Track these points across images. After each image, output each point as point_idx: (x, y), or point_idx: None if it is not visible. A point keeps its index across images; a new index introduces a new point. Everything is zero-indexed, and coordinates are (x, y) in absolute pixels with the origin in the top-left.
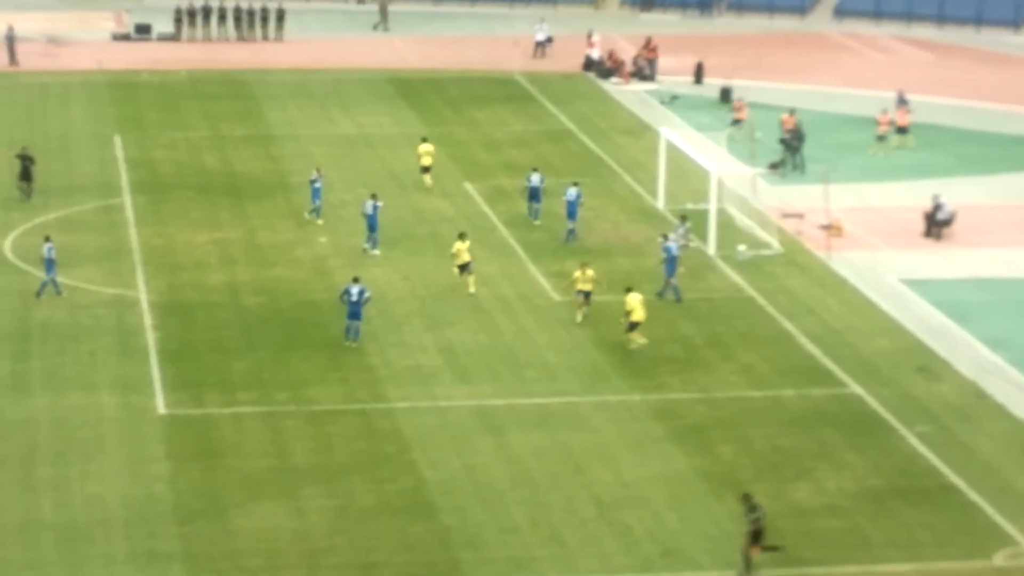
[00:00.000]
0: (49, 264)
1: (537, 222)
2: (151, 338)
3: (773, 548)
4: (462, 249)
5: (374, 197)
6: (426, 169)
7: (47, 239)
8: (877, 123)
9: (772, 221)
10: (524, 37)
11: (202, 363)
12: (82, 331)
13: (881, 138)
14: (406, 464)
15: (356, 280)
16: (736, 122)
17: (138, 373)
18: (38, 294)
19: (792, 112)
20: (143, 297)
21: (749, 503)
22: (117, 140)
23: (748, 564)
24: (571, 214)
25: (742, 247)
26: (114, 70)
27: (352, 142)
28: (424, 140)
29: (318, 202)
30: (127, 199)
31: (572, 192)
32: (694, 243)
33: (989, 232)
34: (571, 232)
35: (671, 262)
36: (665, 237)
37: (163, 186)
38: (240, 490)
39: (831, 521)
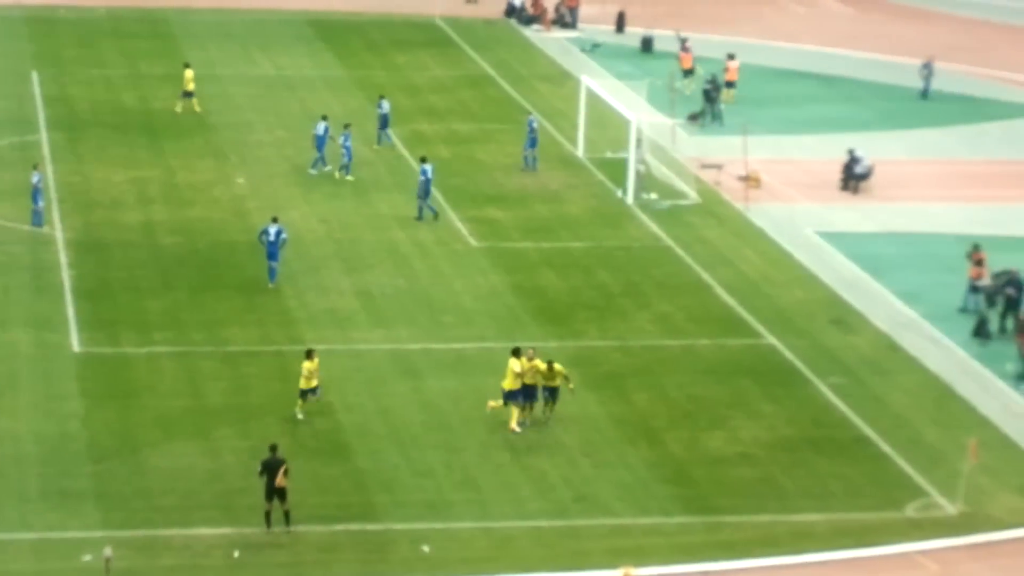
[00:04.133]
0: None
1: (377, 146)
2: (66, 276)
3: None
4: (311, 369)
5: (347, 127)
6: (188, 94)
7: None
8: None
9: (690, 171)
10: None
11: (117, 302)
12: None
13: (687, 73)
14: (322, 406)
15: (275, 220)
16: (688, 72)
17: (53, 311)
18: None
19: (732, 57)
20: (59, 235)
21: None
22: (34, 76)
23: None
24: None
25: (653, 195)
26: (32, 5)
27: (271, 83)
28: (187, 66)
29: (347, 159)
30: (43, 136)
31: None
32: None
33: (906, 186)
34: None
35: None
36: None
37: (80, 123)
38: (154, 429)
39: (745, 470)
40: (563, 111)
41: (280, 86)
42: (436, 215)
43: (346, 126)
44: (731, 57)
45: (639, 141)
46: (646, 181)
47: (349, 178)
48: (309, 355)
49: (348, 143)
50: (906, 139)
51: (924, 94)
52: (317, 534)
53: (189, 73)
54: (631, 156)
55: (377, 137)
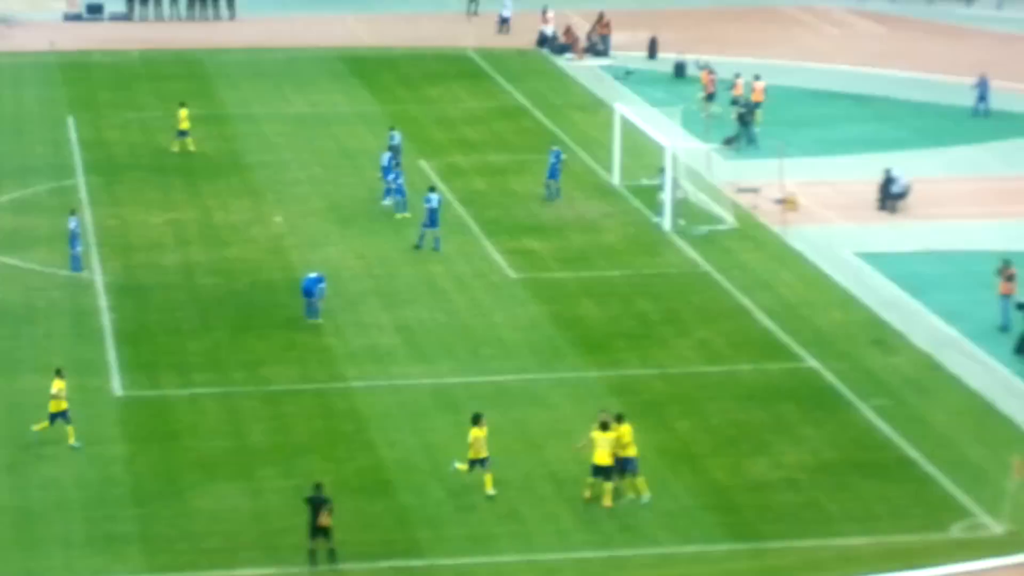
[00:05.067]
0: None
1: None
2: (106, 320)
3: None
4: (479, 437)
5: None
6: (183, 133)
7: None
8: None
9: (727, 196)
10: (488, 14)
11: (158, 344)
12: (37, 313)
13: (710, 97)
14: (363, 443)
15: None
16: (710, 96)
17: (93, 355)
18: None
19: (757, 78)
20: (98, 279)
21: None
22: (70, 121)
23: None
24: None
25: (681, 221)
26: (66, 50)
27: (306, 120)
28: (182, 105)
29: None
30: (81, 180)
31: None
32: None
33: (943, 204)
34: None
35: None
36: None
37: (117, 167)
38: (197, 471)
39: (788, 495)
40: (597, 139)
41: (314, 123)
42: (437, 248)
43: (397, 163)
44: (757, 78)
45: (662, 169)
46: (682, 207)
47: (406, 215)
48: (476, 421)
49: (400, 180)
50: (943, 157)
51: (983, 112)
52: (361, 571)
53: (183, 112)
54: (667, 182)
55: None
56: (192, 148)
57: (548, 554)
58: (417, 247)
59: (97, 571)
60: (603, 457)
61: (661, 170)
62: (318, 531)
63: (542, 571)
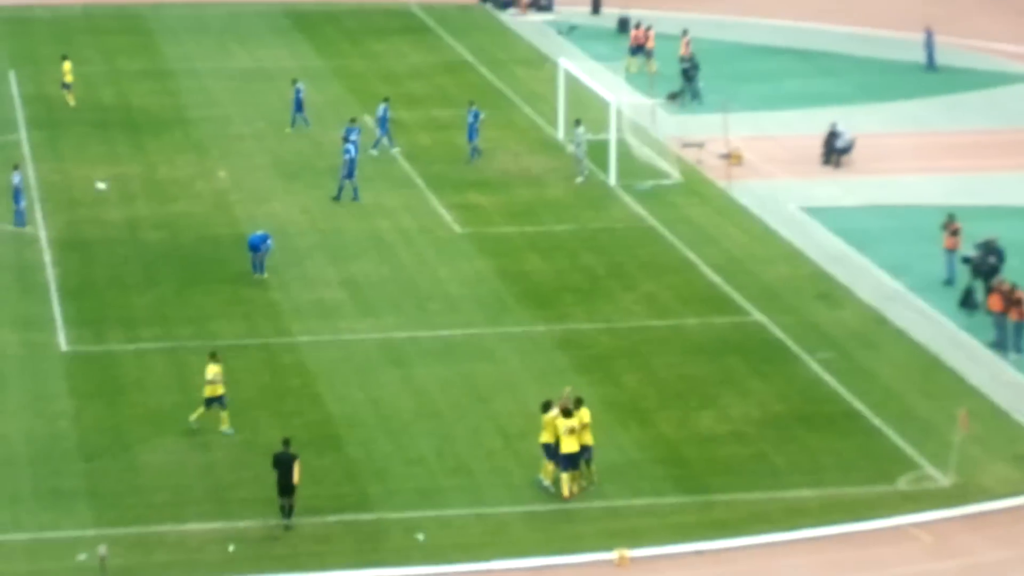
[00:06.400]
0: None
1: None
2: (51, 275)
3: None
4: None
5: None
6: (67, 86)
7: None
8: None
9: (672, 151)
10: None
11: (103, 299)
12: None
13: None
14: (311, 398)
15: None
16: (638, 49)
17: (39, 310)
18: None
19: (684, 33)
20: (42, 234)
21: None
22: (11, 76)
23: None
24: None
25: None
26: (7, 5)
27: (250, 76)
28: (64, 58)
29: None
30: (23, 135)
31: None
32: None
33: (888, 159)
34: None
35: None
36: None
37: (59, 122)
38: (145, 426)
39: (736, 448)
40: (542, 94)
41: (258, 78)
42: (356, 198)
43: (352, 120)
44: (684, 33)
45: (577, 121)
46: (581, 164)
47: (373, 152)
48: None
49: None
50: (886, 112)
51: (930, 66)
52: (311, 525)
53: (67, 65)
54: (612, 137)
55: (292, 120)
56: (71, 103)
57: (497, 507)
58: (335, 199)
59: (45, 526)
60: (570, 445)
61: (576, 122)
62: (288, 488)
63: (492, 524)
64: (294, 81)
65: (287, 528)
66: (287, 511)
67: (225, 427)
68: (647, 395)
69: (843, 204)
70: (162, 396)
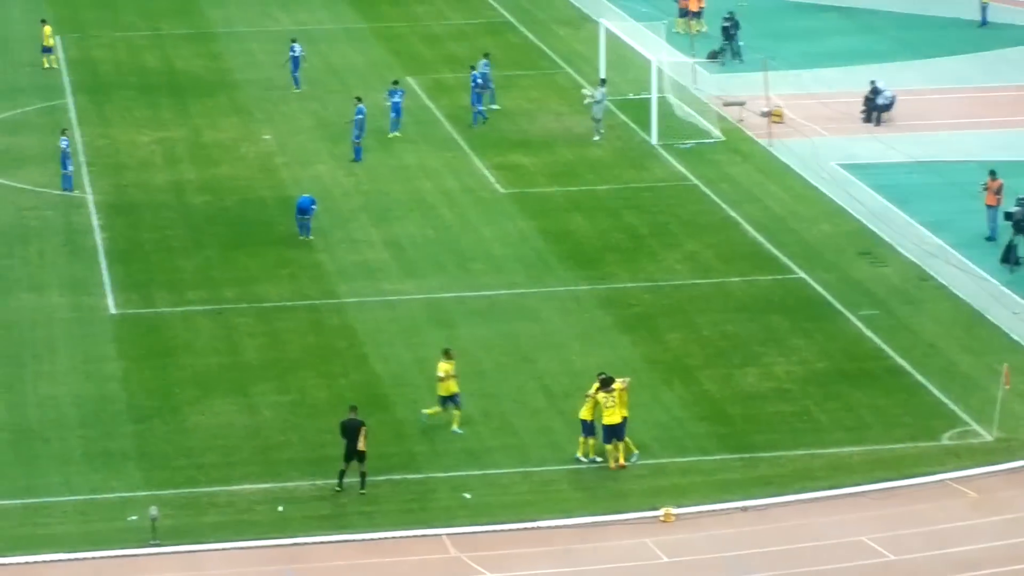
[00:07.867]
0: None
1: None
2: (99, 239)
3: None
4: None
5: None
6: (47, 50)
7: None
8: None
9: (713, 109)
10: None
11: (150, 263)
12: (30, 232)
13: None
14: (357, 358)
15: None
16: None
17: (87, 274)
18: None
19: None
20: (89, 198)
21: None
22: (57, 41)
23: None
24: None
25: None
26: None
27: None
28: (43, 22)
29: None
30: (70, 100)
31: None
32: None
33: (928, 116)
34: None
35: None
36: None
37: (105, 86)
38: (193, 388)
39: (780, 405)
40: (583, 54)
41: (301, 40)
42: (358, 158)
43: (395, 82)
44: None
45: (603, 81)
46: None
47: (396, 135)
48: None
49: (397, 99)
50: (927, 68)
51: (983, 23)
52: (360, 485)
53: (47, 29)
54: (653, 96)
55: (295, 81)
56: (48, 66)
57: (543, 466)
58: (355, 161)
59: (96, 488)
60: (613, 416)
61: (602, 81)
62: (353, 454)
63: (537, 483)
64: (293, 40)
65: (362, 494)
66: (361, 479)
67: (456, 427)
68: (691, 353)
69: (884, 161)
70: (209, 358)
